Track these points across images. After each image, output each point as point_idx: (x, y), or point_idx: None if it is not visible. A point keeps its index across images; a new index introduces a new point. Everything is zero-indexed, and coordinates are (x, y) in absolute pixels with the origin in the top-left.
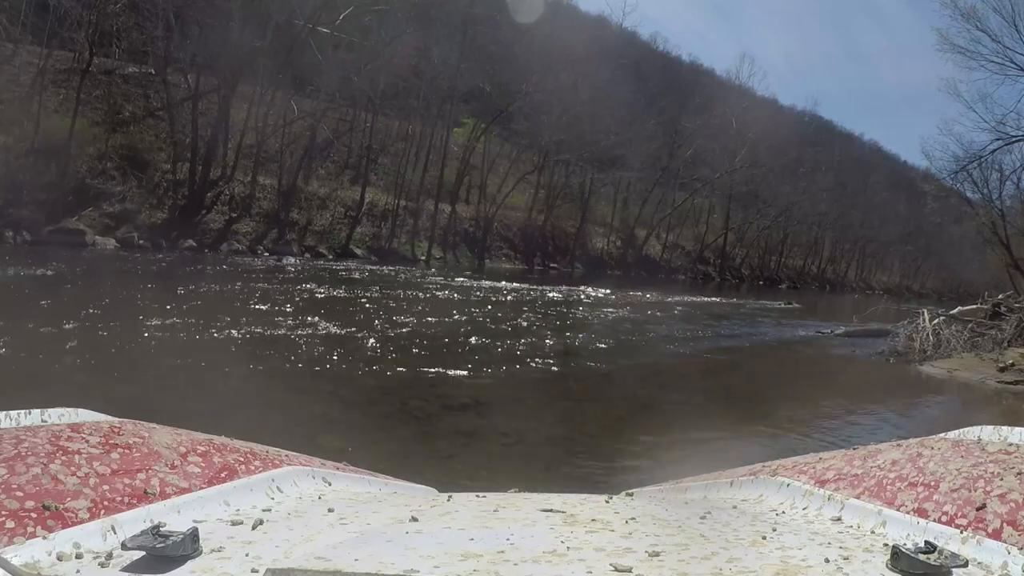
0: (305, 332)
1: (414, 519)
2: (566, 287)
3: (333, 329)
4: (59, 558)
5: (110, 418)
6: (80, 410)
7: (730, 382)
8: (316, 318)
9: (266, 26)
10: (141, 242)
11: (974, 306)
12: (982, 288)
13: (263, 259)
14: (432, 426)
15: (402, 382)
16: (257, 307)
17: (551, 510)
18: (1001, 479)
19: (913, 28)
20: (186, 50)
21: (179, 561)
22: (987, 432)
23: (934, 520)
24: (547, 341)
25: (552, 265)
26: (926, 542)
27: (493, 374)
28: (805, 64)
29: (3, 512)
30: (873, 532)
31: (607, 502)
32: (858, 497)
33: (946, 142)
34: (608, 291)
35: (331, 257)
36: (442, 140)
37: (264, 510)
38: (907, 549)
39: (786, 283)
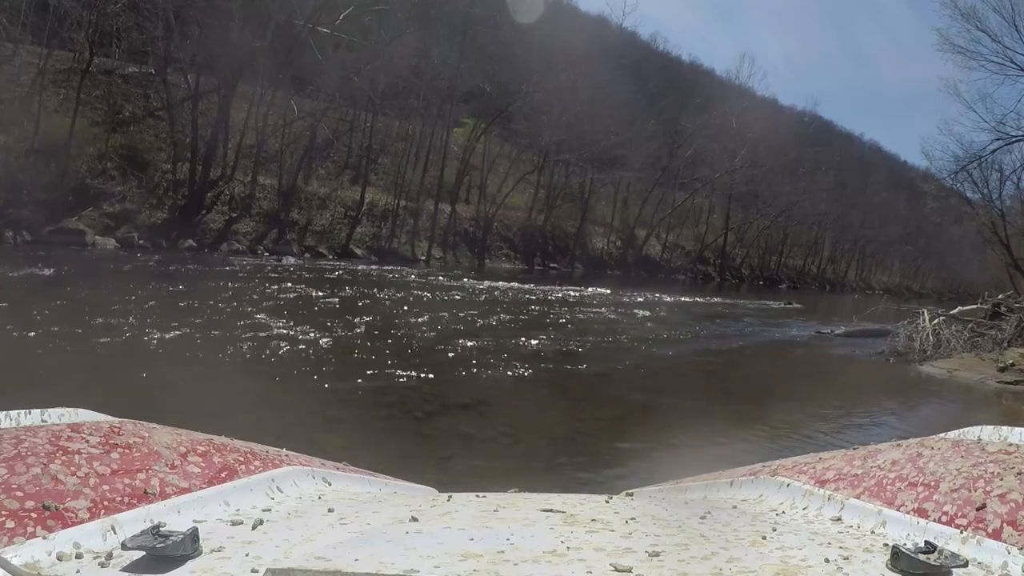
0: (305, 332)
1: (414, 519)
2: (566, 287)
3: (333, 329)
4: (59, 558)
5: (110, 418)
6: (80, 410)
7: (730, 382)
8: (316, 318)
9: (266, 26)
10: (141, 242)
11: (974, 306)
12: (982, 288)
13: (263, 259)
14: (432, 426)
15: (402, 382)
16: (257, 307)
17: (551, 510)
18: (1001, 479)
19: (913, 28)
20: (186, 50)
21: (179, 561)
22: (987, 432)
23: (934, 520)
24: (547, 341)
25: (552, 265)
26: (926, 542)
27: (492, 374)
28: (805, 64)
29: (3, 512)
30: (873, 532)
31: (607, 502)
32: (858, 497)
33: (946, 142)
34: (608, 291)
35: (331, 257)
36: (442, 140)
37: (264, 510)
38: (907, 549)
39: (786, 283)
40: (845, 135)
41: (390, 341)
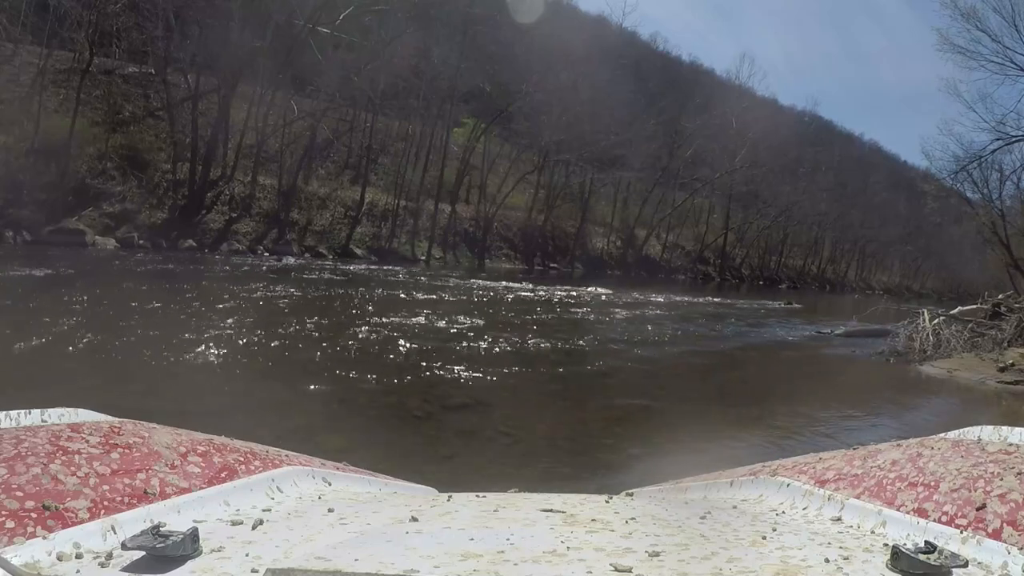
0: (305, 332)
1: (414, 519)
2: (566, 287)
3: (333, 329)
4: (59, 558)
5: (110, 418)
6: (80, 410)
7: (730, 382)
8: (316, 318)
9: (266, 26)
10: (141, 242)
11: (974, 306)
12: (982, 288)
13: (263, 259)
14: (432, 426)
15: (402, 382)
16: (257, 307)
17: (551, 510)
18: (1001, 479)
19: (913, 28)
20: (186, 50)
21: (179, 561)
22: (987, 432)
23: (934, 520)
24: (547, 341)
25: (552, 265)
26: (926, 542)
27: (493, 374)
28: (805, 64)
29: (3, 512)
30: (873, 532)
31: (607, 502)
32: (858, 497)
33: (946, 142)
34: (608, 291)
35: (331, 257)
36: (442, 140)
37: (264, 510)
38: (907, 549)
39: (786, 283)
40: (845, 135)
41: (390, 341)
